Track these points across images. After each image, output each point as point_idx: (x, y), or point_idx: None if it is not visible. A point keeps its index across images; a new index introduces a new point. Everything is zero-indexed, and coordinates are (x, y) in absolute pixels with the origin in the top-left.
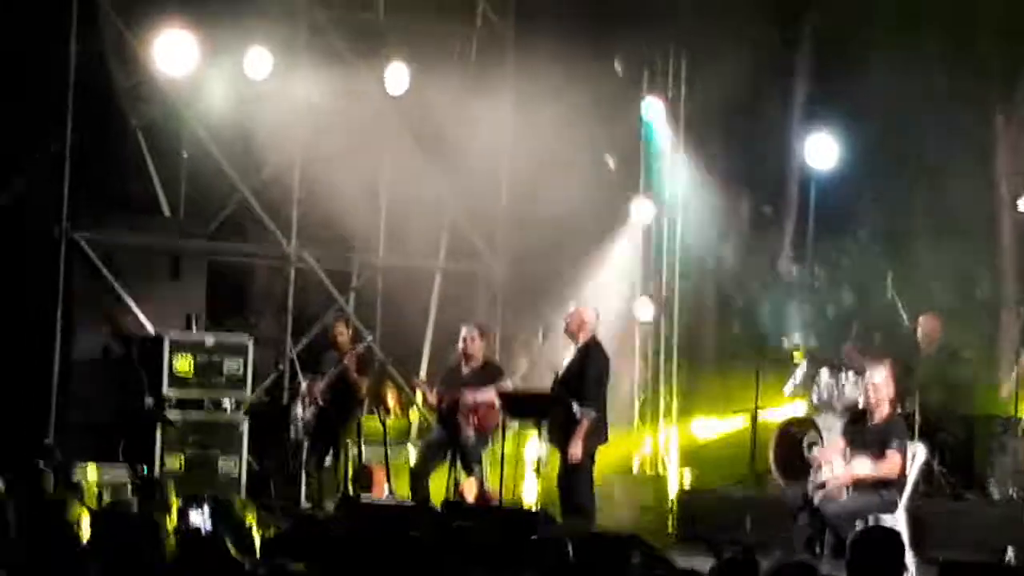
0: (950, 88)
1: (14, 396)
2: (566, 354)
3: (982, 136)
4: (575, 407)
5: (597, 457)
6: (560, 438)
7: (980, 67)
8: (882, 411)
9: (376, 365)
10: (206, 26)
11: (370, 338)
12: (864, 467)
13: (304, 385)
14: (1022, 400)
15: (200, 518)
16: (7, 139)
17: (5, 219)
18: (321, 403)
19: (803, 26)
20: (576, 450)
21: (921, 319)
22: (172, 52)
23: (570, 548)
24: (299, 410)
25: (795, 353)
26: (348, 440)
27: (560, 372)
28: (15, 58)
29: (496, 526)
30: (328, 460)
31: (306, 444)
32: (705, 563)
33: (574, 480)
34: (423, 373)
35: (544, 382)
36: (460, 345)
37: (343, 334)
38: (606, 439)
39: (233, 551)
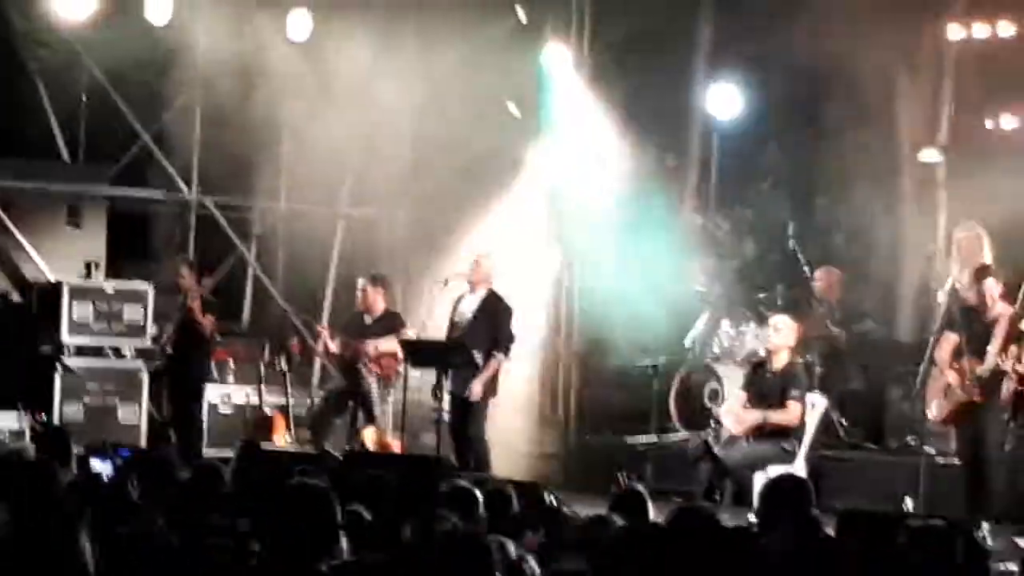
0: (853, 39)
1: None
2: (460, 301)
3: (885, 87)
4: (477, 354)
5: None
6: (460, 384)
7: (884, 17)
8: (781, 359)
9: (279, 312)
10: None
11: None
12: (763, 416)
13: (153, 329)
14: (921, 350)
15: (103, 466)
16: None
17: None
18: (169, 350)
19: None
20: (476, 389)
21: (819, 271)
22: None
23: (479, 495)
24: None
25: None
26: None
27: (463, 320)
28: None
29: (398, 474)
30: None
31: (165, 392)
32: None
33: (469, 425)
34: (325, 320)
35: (441, 330)
36: (358, 296)
37: (185, 276)
38: (495, 391)
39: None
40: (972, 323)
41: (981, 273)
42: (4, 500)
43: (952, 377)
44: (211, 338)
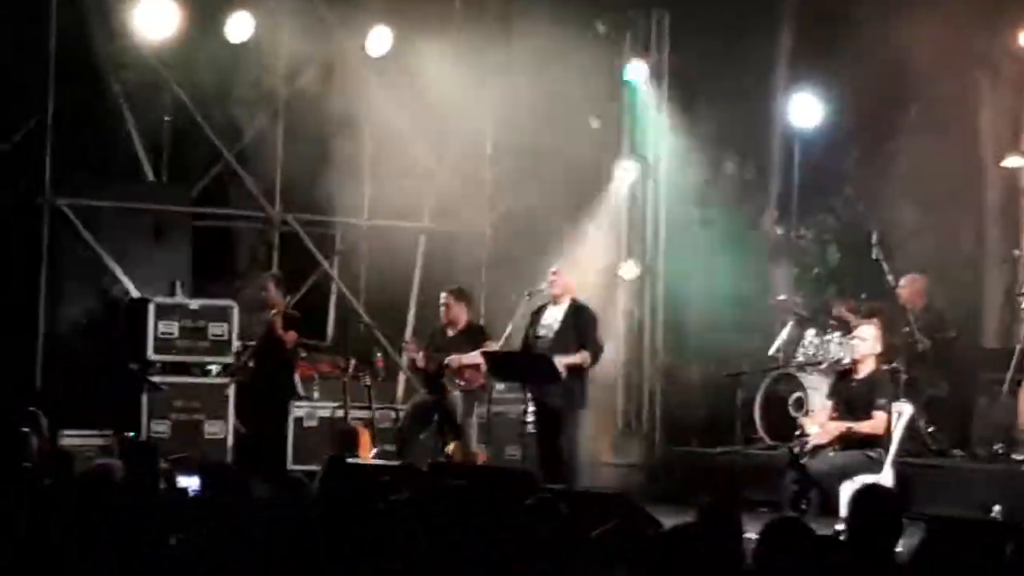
0: (934, 46)
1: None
2: (542, 314)
3: (966, 93)
4: (560, 366)
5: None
6: (547, 398)
7: (965, 25)
8: (868, 368)
9: (363, 328)
10: None
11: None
12: (848, 426)
13: (237, 345)
14: (1007, 356)
15: (189, 482)
16: None
17: None
18: (251, 364)
19: None
20: (562, 362)
21: (905, 278)
22: (154, 17)
23: (563, 508)
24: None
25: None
26: (286, 399)
27: (549, 332)
28: None
29: (484, 487)
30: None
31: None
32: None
33: (561, 438)
34: (408, 335)
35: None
36: (441, 310)
37: (270, 292)
38: (585, 404)
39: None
40: None
41: None
42: (95, 515)
43: None
44: (293, 354)
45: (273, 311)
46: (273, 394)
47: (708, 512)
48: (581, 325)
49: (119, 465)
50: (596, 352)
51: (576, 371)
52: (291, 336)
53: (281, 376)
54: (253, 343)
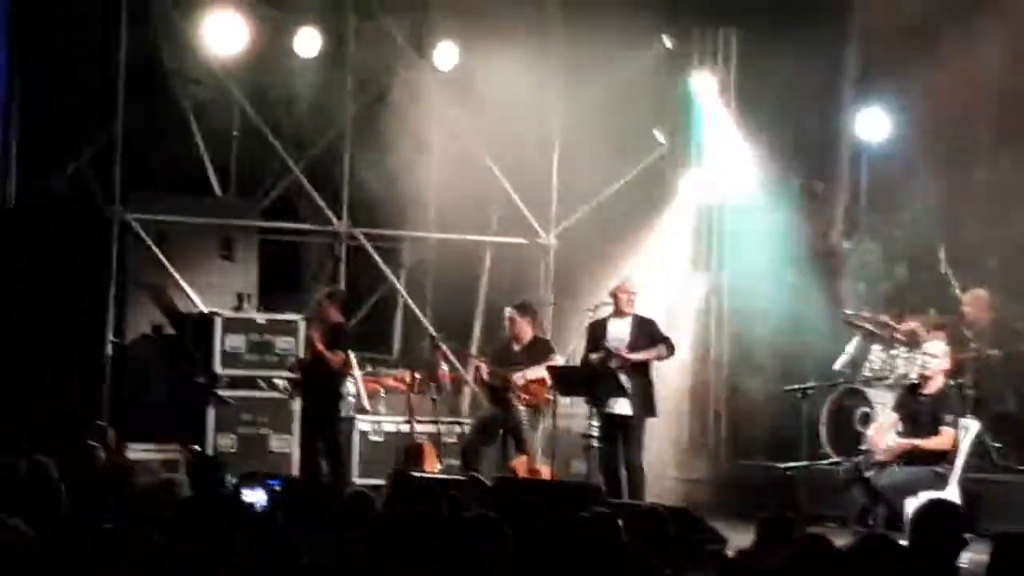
0: (1003, 60)
1: (68, 377)
2: (609, 327)
3: None
4: (624, 379)
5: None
6: (615, 410)
7: None
8: (935, 384)
9: (429, 342)
10: (254, 7)
11: (399, 315)
12: (914, 444)
13: (291, 359)
14: None
15: (256, 496)
16: (62, 124)
17: (61, 202)
18: (299, 376)
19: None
20: (629, 355)
21: (967, 295)
22: (221, 32)
23: (620, 523)
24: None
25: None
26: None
27: (618, 342)
28: (67, 44)
29: (548, 501)
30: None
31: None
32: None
33: (627, 452)
34: (474, 349)
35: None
36: (505, 324)
37: (324, 305)
38: (655, 413)
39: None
40: None
41: None
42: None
43: None
44: (339, 373)
45: (316, 327)
46: (316, 411)
47: (767, 526)
48: (651, 330)
49: (182, 479)
50: (671, 346)
51: (645, 378)
52: (338, 357)
53: (326, 393)
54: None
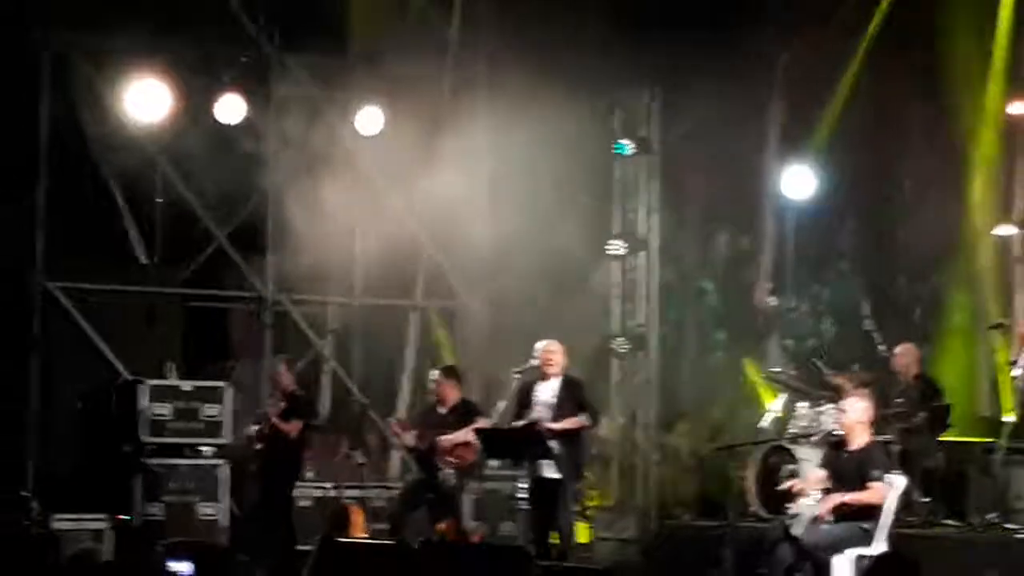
0: (925, 118)
1: None
2: (536, 391)
3: (958, 165)
4: (554, 444)
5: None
6: (544, 472)
7: (949, 101)
8: (860, 439)
9: (357, 406)
10: (177, 74)
11: (328, 381)
12: (845, 497)
13: (252, 429)
14: (1001, 426)
15: (182, 566)
16: None
17: None
18: (258, 447)
19: (777, 60)
20: (556, 425)
21: (898, 348)
22: (144, 100)
23: None
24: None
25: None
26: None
27: (543, 406)
28: None
29: (475, 564)
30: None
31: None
32: None
33: (557, 515)
34: (403, 413)
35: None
36: (431, 387)
37: (281, 375)
38: (583, 476)
39: None
40: None
41: None
42: None
43: None
44: (297, 442)
45: (276, 397)
46: (276, 480)
47: None
48: (578, 395)
49: (107, 549)
50: (595, 414)
51: (574, 442)
52: (293, 427)
53: (285, 463)
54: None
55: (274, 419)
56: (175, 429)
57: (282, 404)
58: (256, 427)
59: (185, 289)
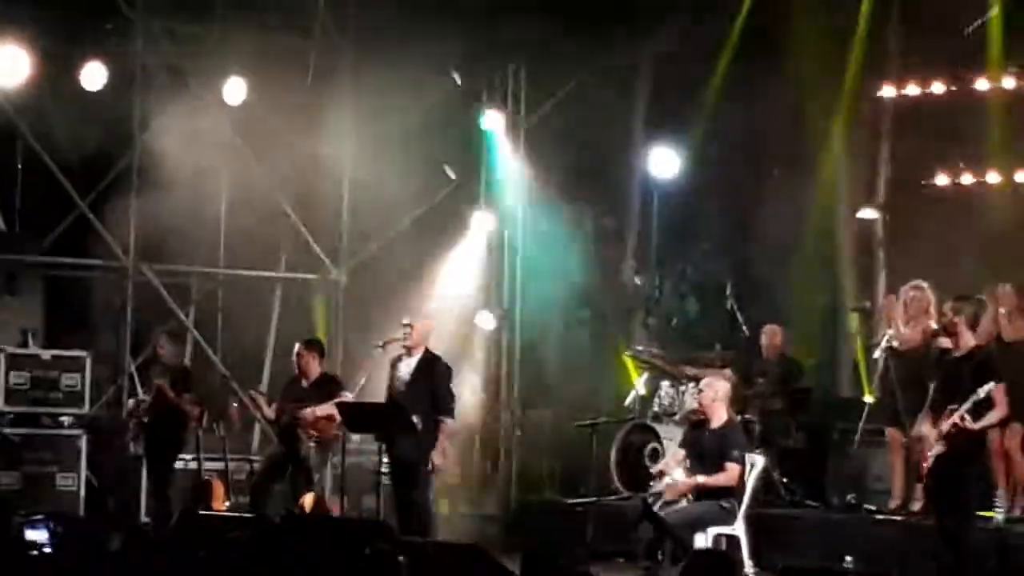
0: (790, 100)
1: None
2: (398, 364)
3: (823, 147)
4: (415, 418)
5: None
6: (401, 450)
7: (820, 78)
8: (720, 419)
9: (219, 378)
10: (39, 39)
11: (187, 349)
12: (703, 477)
13: (131, 402)
14: (861, 407)
15: (38, 535)
16: None
17: None
18: (145, 420)
19: (644, 39)
20: (439, 458)
21: (765, 329)
22: (5, 66)
23: (402, 559)
24: (131, 425)
25: (637, 363)
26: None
27: (401, 383)
28: None
29: (335, 538)
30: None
31: (143, 461)
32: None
33: (416, 491)
34: (264, 386)
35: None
36: (294, 361)
37: (164, 347)
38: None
39: None
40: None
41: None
42: None
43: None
44: (193, 416)
45: (162, 370)
46: (160, 452)
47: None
48: (432, 379)
49: None
50: (450, 408)
51: (430, 426)
52: (188, 401)
53: (175, 436)
54: (145, 399)
55: (170, 394)
56: (34, 398)
57: (168, 376)
58: (138, 399)
59: (47, 257)
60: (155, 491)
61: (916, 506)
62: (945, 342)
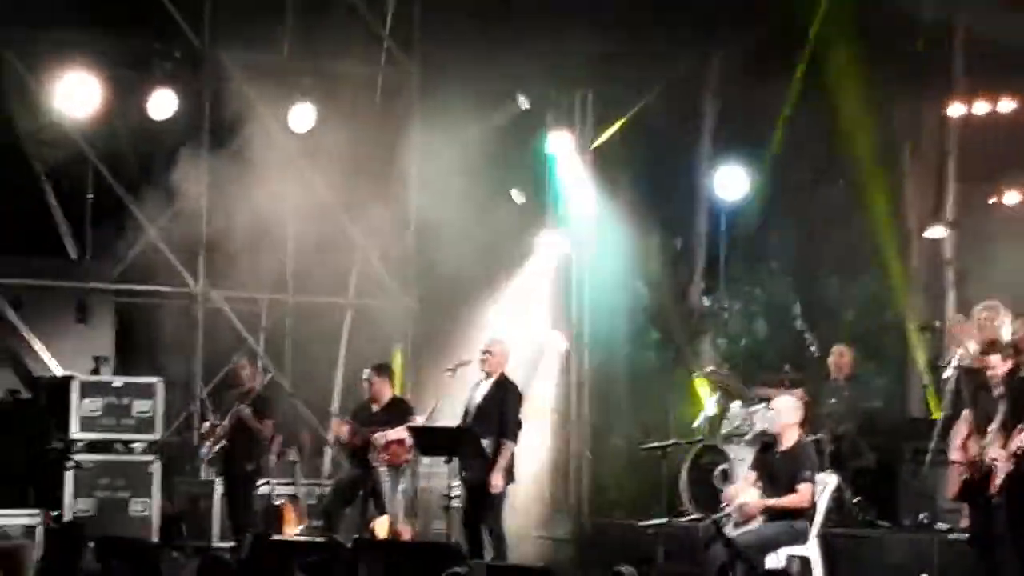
0: (857, 118)
1: None
2: (475, 389)
3: (890, 165)
4: (485, 442)
5: (509, 492)
6: (472, 473)
7: (887, 100)
8: (790, 439)
9: (288, 404)
10: (109, 69)
11: (269, 375)
12: (775, 498)
13: (206, 425)
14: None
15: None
16: None
17: None
18: (226, 443)
19: (711, 60)
20: (497, 480)
21: (834, 349)
22: (75, 95)
23: None
24: (204, 450)
25: (706, 385)
26: (253, 482)
27: (473, 407)
28: None
29: (408, 561)
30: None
31: (218, 485)
32: None
33: (486, 514)
34: (335, 410)
35: (454, 417)
36: (364, 385)
37: (244, 368)
38: (514, 479)
39: None
40: (979, 400)
41: (988, 349)
42: None
43: (957, 455)
44: (270, 440)
45: (242, 395)
46: (236, 475)
47: None
48: (502, 403)
49: (31, 545)
50: (515, 432)
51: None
52: (266, 425)
53: (255, 461)
54: (223, 423)
55: (248, 419)
56: (106, 425)
57: (249, 401)
58: (212, 422)
59: (116, 285)
60: (233, 515)
61: (964, 523)
62: (989, 361)
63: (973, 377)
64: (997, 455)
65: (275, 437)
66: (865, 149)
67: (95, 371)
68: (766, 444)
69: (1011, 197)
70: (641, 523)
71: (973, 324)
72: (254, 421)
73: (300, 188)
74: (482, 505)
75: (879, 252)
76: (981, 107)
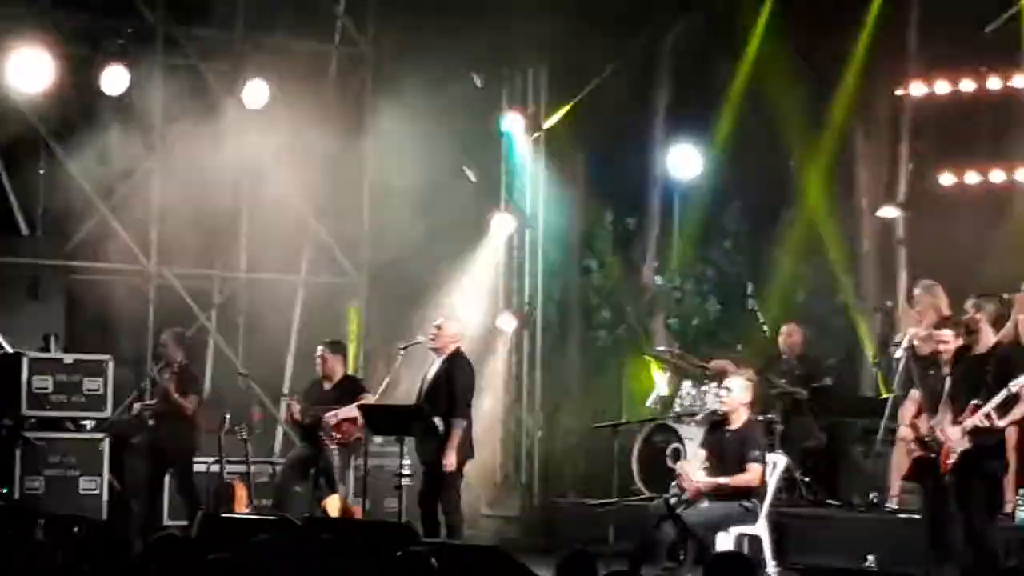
0: (810, 101)
1: None
2: (428, 367)
3: (843, 146)
4: (437, 420)
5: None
6: (424, 451)
7: (839, 81)
8: (741, 419)
9: (241, 380)
10: (60, 44)
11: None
12: (724, 477)
13: (136, 405)
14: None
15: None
16: None
17: None
18: (151, 422)
19: (663, 39)
20: (450, 460)
21: (783, 328)
22: (27, 70)
23: (434, 562)
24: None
25: (658, 364)
26: (187, 459)
27: (425, 385)
28: None
29: (360, 541)
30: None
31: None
32: None
33: (441, 493)
34: (286, 388)
35: (407, 395)
36: (317, 363)
37: (166, 345)
38: (472, 454)
39: None
40: (927, 379)
41: (941, 324)
42: None
43: (906, 433)
44: (193, 417)
45: (168, 370)
46: (167, 453)
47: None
48: (452, 381)
49: None
50: (464, 408)
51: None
52: (191, 401)
53: (176, 435)
54: (152, 401)
55: (174, 394)
56: (56, 402)
57: (172, 377)
58: (146, 402)
59: (68, 262)
60: (180, 493)
61: (894, 502)
62: (942, 335)
63: (922, 357)
64: (950, 433)
65: (200, 412)
66: (817, 129)
67: (45, 348)
68: (716, 423)
69: (967, 178)
70: (592, 502)
71: (917, 303)
72: (175, 396)
73: (253, 165)
74: (437, 485)
75: (832, 232)
76: (937, 87)
